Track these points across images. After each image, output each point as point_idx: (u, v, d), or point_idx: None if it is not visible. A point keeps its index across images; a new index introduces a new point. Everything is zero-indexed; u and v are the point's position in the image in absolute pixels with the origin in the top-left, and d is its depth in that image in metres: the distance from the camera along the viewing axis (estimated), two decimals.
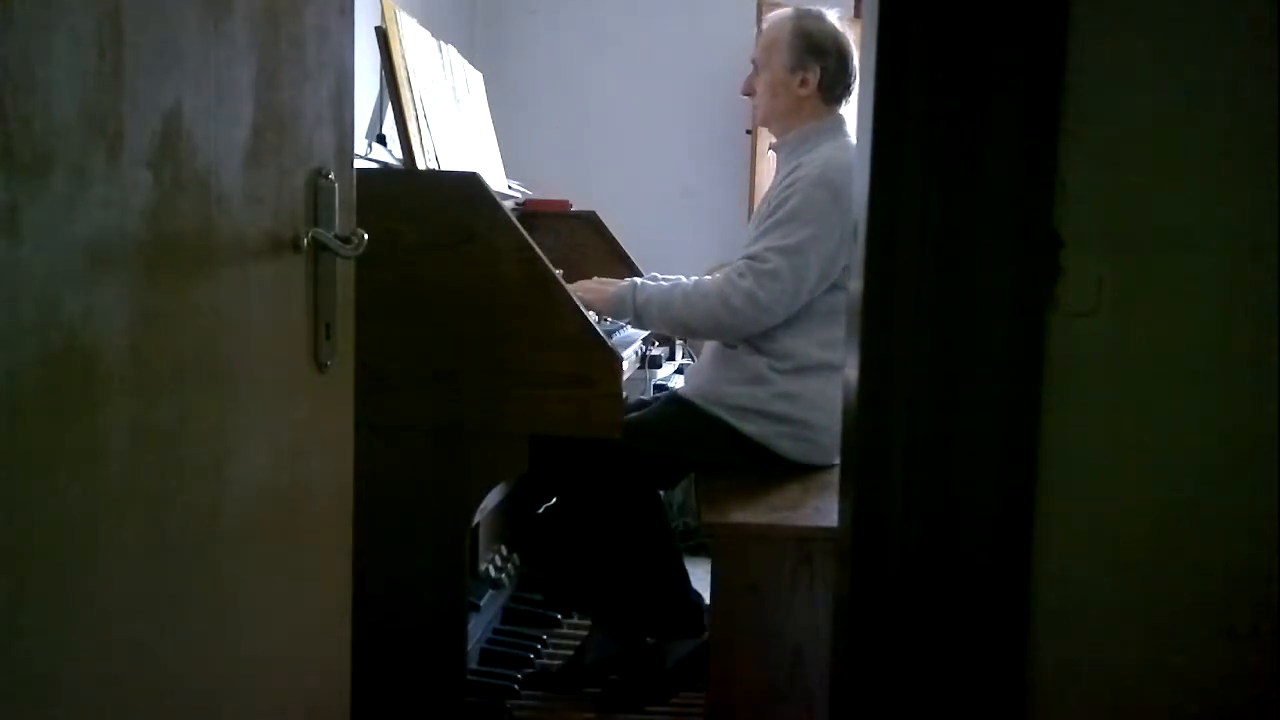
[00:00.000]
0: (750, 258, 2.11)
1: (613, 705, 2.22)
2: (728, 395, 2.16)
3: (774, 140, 2.34)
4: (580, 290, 2.18)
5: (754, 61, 2.34)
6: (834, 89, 2.25)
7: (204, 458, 0.97)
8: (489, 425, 1.85)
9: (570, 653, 2.44)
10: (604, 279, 2.39)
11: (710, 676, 1.92)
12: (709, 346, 2.31)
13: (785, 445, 2.15)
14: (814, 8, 2.32)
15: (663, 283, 2.22)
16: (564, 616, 2.66)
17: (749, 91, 2.36)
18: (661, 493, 2.28)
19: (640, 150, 4.05)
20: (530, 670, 2.37)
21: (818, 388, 2.13)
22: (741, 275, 2.09)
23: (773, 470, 2.15)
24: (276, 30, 1.06)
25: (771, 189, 2.26)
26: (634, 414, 2.23)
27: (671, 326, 2.31)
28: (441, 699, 1.92)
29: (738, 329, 2.13)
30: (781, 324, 2.13)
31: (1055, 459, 1.15)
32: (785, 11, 2.34)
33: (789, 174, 2.17)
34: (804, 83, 2.23)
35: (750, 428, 2.14)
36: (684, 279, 2.52)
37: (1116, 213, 1.12)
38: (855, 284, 1.22)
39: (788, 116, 2.27)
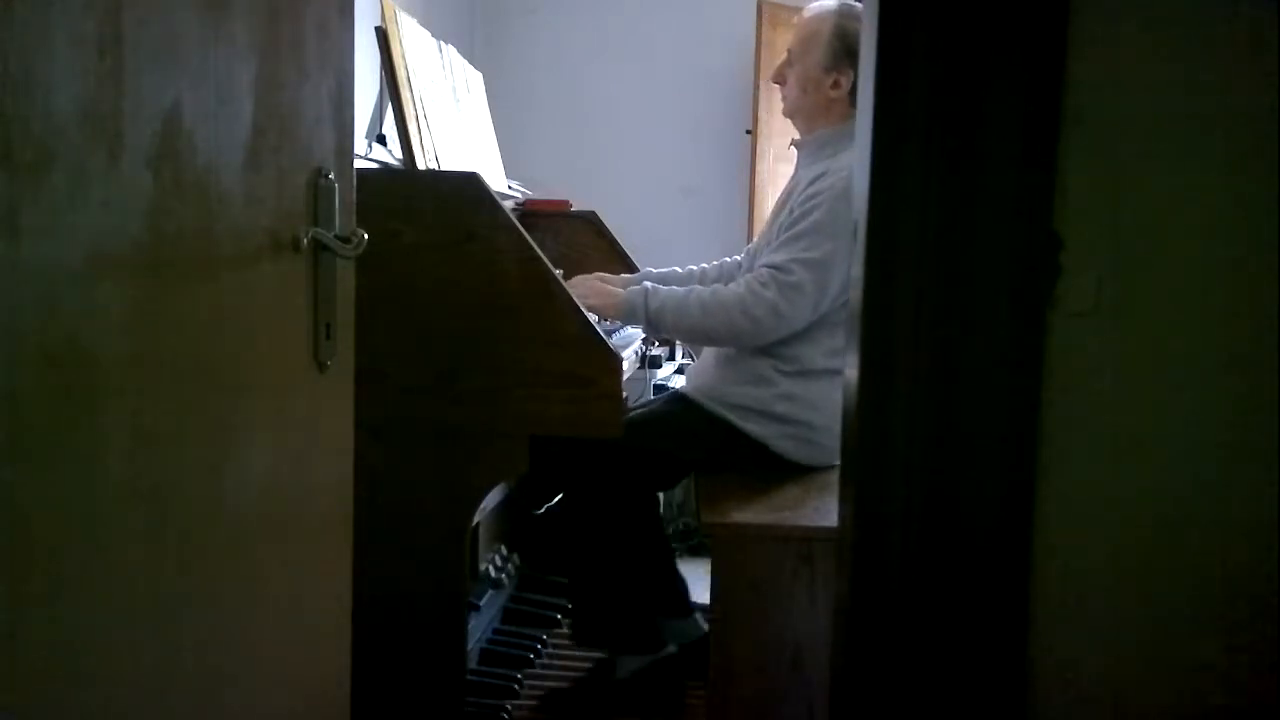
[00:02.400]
0: (774, 268, 2.08)
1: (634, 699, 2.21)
2: (730, 394, 2.16)
3: (796, 137, 2.30)
4: (586, 293, 2.16)
5: (789, 50, 2.26)
6: None
7: (204, 458, 0.97)
8: (489, 425, 1.85)
9: (568, 655, 2.43)
10: (605, 276, 2.38)
11: (710, 676, 1.92)
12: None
13: (786, 446, 2.15)
14: (857, 2, 2.19)
15: (675, 288, 2.19)
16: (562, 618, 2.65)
17: (779, 80, 2.28)
18: (660, 494, 2.27)
19: (640, 150, 4.05)
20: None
21: (820, 391, 2.13)
22: (765, 285, 2.07)
23: (773, 470, 2.15)
24: (276, 30, 1.06)
25: (792, 191, 2.22)
26: (635, 412, 2.22)
27: (687, 335, 2.27)
28: (441, 699, 1.92)
29: (756, 338, 2.11)
30: None
31: (1055, 459, 1.15)
32: (829, 4, 2.23)
33: (812, 182, 2.13)
34: (836, 84, 2.18)
35: (751, 427, 2.14)
36: (679, 270, 2.53)
37: (1116, 213, 1.12)
38: (855, 284, 1.22)
39: (815, 116, 2.22)
